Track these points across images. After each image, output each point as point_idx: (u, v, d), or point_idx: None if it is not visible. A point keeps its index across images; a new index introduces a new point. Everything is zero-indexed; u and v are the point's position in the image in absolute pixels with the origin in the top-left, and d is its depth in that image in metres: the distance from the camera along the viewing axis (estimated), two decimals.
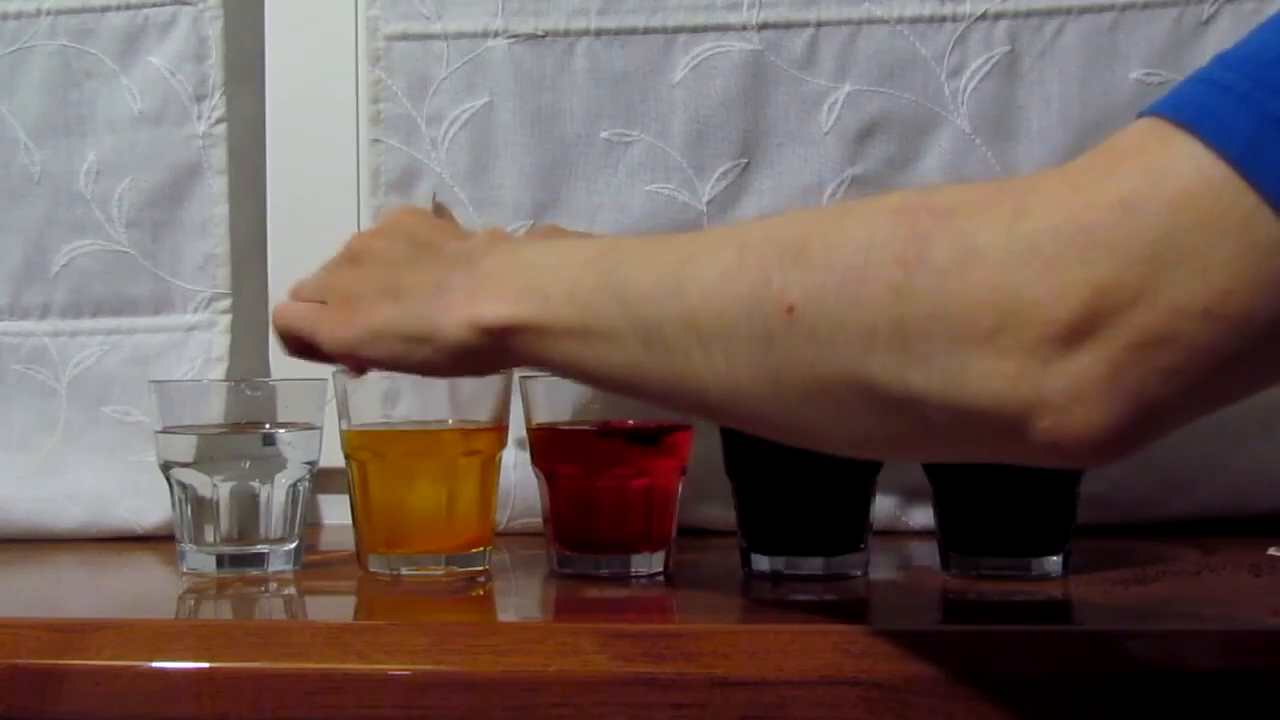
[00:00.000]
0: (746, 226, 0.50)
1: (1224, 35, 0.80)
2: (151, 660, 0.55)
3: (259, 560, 0.69)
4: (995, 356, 0.41)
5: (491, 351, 0.55)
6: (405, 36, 0.85)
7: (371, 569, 0.69)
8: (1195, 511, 0.81)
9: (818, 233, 0.46)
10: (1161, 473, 0.80)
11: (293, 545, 0.70)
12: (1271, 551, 0.69)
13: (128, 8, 0.87)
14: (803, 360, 0.45)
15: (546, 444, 0.68)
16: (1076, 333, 0.40)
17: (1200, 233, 0.39)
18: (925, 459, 0.63)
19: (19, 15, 0.88)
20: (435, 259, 0.59)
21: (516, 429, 0.70)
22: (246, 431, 0.71)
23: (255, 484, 0.69)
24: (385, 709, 0.53)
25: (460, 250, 0.59)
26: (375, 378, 0.75)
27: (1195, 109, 0.40)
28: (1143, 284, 0.40)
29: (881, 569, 0.68)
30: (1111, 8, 0.81)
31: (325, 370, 0.72)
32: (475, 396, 0.69)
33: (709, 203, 0.83)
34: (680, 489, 0.69)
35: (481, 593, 0.66)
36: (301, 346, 0.63)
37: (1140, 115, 0.42)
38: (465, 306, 0.55)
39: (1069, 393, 0.41)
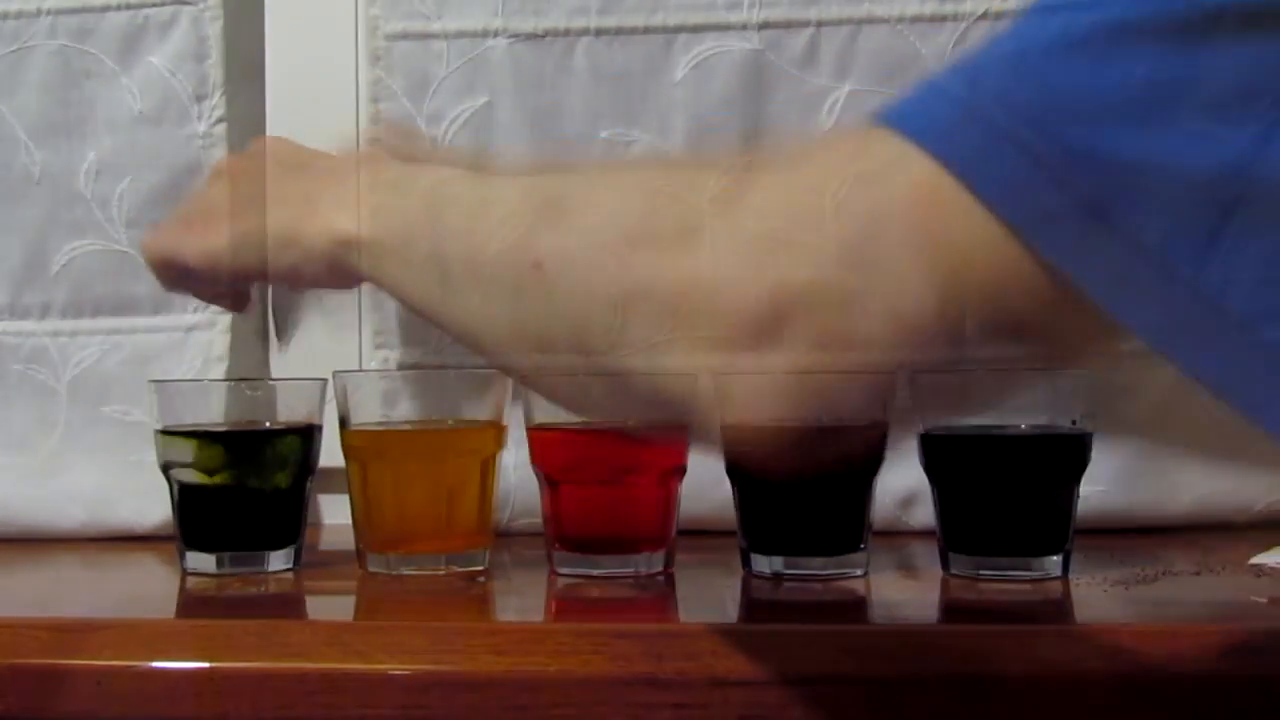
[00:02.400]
0: (536, 178, 0.53)
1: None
2: (151, 660, 0.55)
3: (259, 560, 0.69)
4: (693, 342, 0.44)
5: (347, 265, 0.59)
6: (405, 36, 0.85)
7: (371, 569, 0.69)
8: (1195, 511, 0.81)
9: (580, 191, 0.49)
10: (1162, 472, 0.80)
11: (293, 545, 0.70)
12: (1253, 561, 0.68)
13: (128, 7, 0.87)
14: (541, 315, 0.49)
15: (546, 444, 0.68)
16: (765, 330, 0.42)
17: (904, 237, 0.40)
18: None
19: (19, 15, 0.88)
20: (305, 175, 0.62)
21: (516, 429, 0.70)
22: (246, 431, 0.71)
23: (255, 484, 0.69)
24: (385, 709, 0.53)
25: (333, 165, 0.62)
26: (375, 378, 0.75)
27: (921, 119, 0.41)
28: (837, 285, 0.41)
29: (881, 569, 0.68)
30: None
31: (325, 370, 0.72)
32: (475, 396, 0.69)
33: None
34: (680, 489, 0.69)
35: (481, 593, 0.66)
36: (173, 272, 0.65)
37: (872, 121, 0.43)
38: (327, 216, 0.59)
39: (752, 382, 0.45)
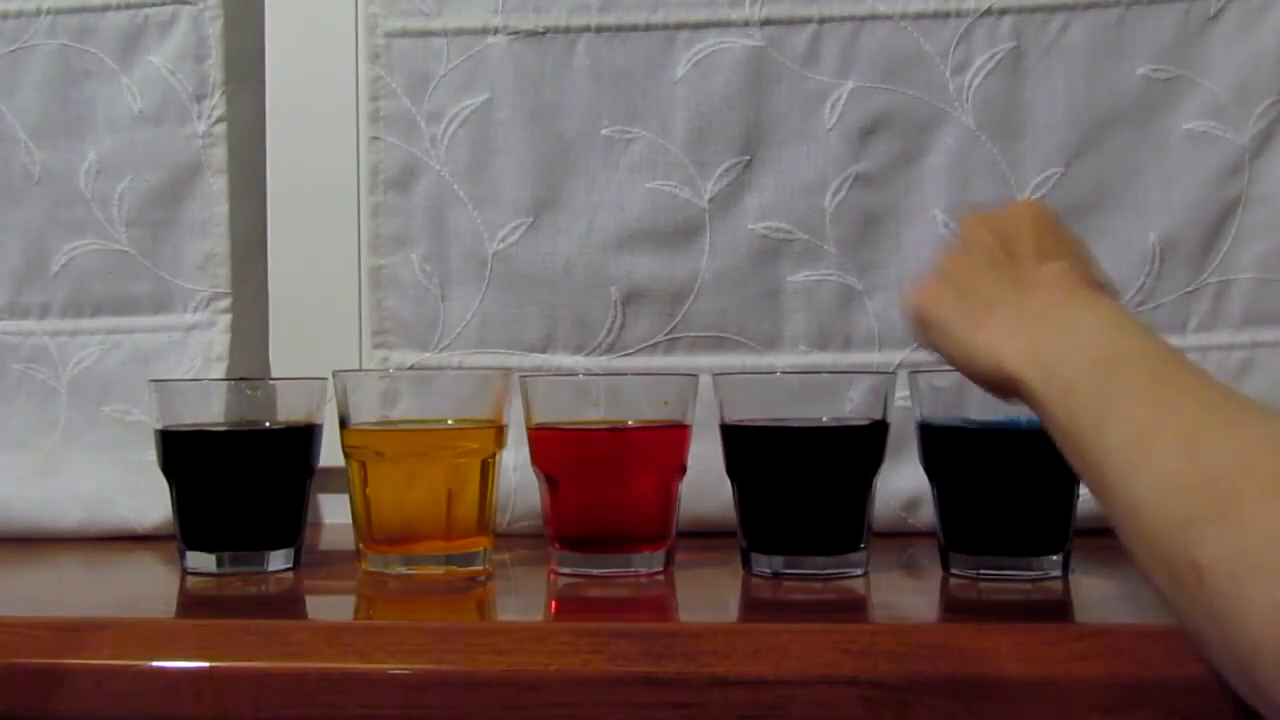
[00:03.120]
0: (1206, 425, 0.47)
1: (1231, 30, 0.80)
2: (151, 660, 0.55)
3: (259, 560, 0.69)
4: None
5: (1007, 386, 0.57)
6: (405, 33, 0.85)
7: (371, 569, 0.68)
8: None
9: (1252, 482, 0.43)
10: None
11: (293, 545, 0.70)
12: None
13: (128, 7, 0.87)
14: (1193, 616, 0.45)
15: (546, 444, 0.68)
16: None
17: None
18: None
19: (19, 15, 0.88)
20: (1001, 275, 0.59)
21: (516, 429, 0.70)
22: (246, 431, 0.70)
23: (255, 484, 0.69)
24: (385, 709, 0.53)
25: (1020, 277, 0.59)
26: (375, 378, 0.75)
27: None
28: None
29: (881, 569, 0.68)
30: (1118, 3, 0.81)
31: (325, 370, 0.72)
32: (475, 396, 0.69)
33: (710, 200, 0.83)
34: (680, 489, 0.69)
35: (481, 593, 0.66)
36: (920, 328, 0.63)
37: None
38: (996, 341, 0.57)
39: None
